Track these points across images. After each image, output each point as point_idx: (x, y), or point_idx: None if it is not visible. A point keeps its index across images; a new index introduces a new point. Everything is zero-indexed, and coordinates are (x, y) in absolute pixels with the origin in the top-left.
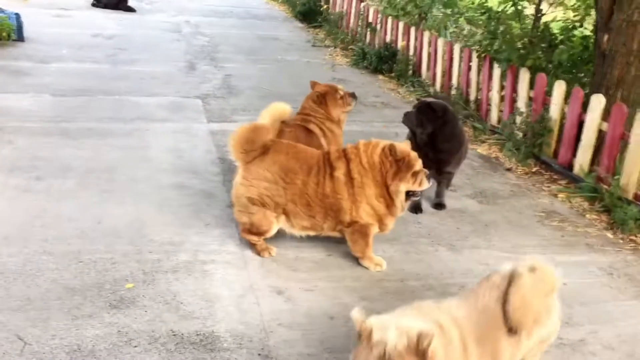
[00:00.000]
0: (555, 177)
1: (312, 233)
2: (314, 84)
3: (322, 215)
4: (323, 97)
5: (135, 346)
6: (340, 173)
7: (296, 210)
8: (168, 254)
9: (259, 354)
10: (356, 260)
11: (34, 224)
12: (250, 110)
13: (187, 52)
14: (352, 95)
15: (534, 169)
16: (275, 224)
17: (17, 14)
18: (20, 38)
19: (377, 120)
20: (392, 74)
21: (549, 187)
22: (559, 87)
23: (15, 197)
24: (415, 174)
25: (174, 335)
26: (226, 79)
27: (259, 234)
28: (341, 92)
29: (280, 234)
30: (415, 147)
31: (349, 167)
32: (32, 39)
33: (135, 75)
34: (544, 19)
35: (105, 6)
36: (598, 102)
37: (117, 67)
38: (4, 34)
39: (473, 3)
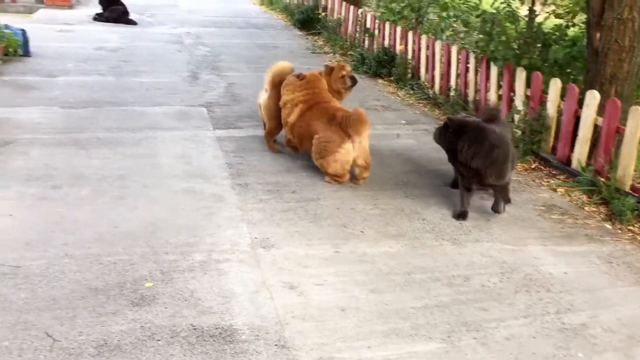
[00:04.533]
0: (554, 172)
1: None
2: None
3: None
4: (331, 70)
5: (159, 340)
6: None
7: None
8: (184, 255)
9: (276, 345)
10: (364, 256)
11: (53, 230)
12: (254, 116)
13: (189, 62)
14: (352, 78)
15: (534, 165)
16: None
17: (22, 30)
18: (27, 53)
19: (377, 123)
20: (392, 78)
21: (548, 182)
22: (555, 85)
23: (33, 205)
24: None
25: (194, 329)
26: (229, 87)
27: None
28: (345, 71)
29: (289, 236)
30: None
31: None
32: (38, 54)
33: (140, 86)
34: (538, 19)
35: (107, 20)
36: (593, 97)
37: (122, 79)
38: (11, 49)
39: (466, 4)
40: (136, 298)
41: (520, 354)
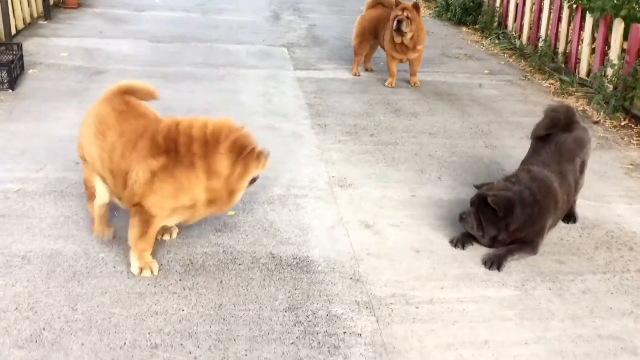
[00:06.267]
0: None
1: None
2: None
3: None
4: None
5: (240, 264)
6: None
7: None
8: (264, 188)
9: (351, 278)
10: (441, 203)
11: None
12: (334, 59)
13: (271, 2)
14: (400, 22)
15: (623, 123)
16: None
17: None
18: None
19: (459, 72)
20: (477, 26)
21: (638, 140)
22: None
23: None
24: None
25: (273, 257)
26: (310, 28)
27: None
28: (399, 13)
29: (366, 177)
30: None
31: None
32: None
33: (224, 24)
34: None
35: None
36: None
37: (206, 16)
38: None
39: None
40: (219, 225)
41: (595, 307)
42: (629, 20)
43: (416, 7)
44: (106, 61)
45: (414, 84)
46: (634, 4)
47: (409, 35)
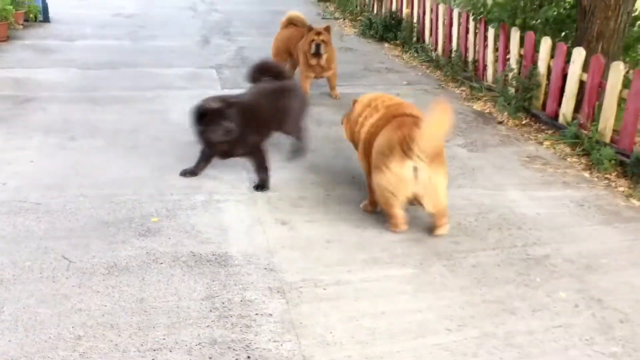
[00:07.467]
0: (543, 127)
1: None
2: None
3: None
4: (309, 30)
5: (162, 263)
6: None
7: None
8: (187, 195)
9: (265, 268)
10: (354, 199)
11: (70, 174)
12: None
13: (202, 27)
14: (317, 47)
15: (524, 122)
16: None
17: None
18: (46, 19)
19: (379, 84)
20: (397, 41)
21: (536, 136)
22: (545, 43)
23: (52, 154)
24: None
25: (193, 255)
26: (239, 50)
27: None
28: (316, 37)
29: (284, 182)
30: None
31: None
32: (57, 20)
33: (154, 50)
34: None
35: None
36: (578, 54)
37: (137, 43)
38: (32, 15)
39: None
40: (143, 230)
41: (483, 278)
42: (525, 29)
43: (327, 30)
44: (35, 89)
45: (335, 97)
46: (529, 14)
47: (325, 56)
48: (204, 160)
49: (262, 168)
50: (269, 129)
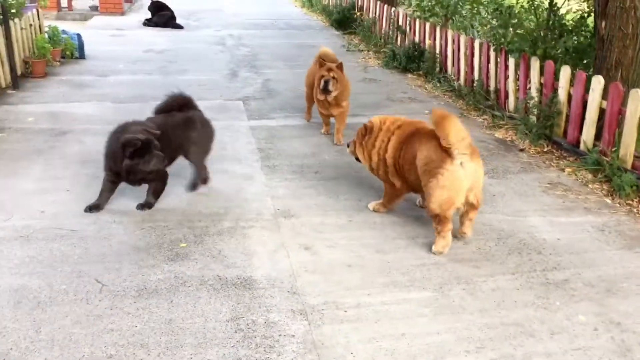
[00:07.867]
0: (564, 154)
1: None
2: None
3: None
4: (320, 65)
5: (189, 286)
6: None
7: None
8: (214, 222)
9: (288, 291)
10: (374, 225)
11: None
12: (286, 108)
13: (230, 61)
14: (326, 83)
15: (546, 149)
16: None
17: (78, 35)
18: (82, 56)
19: (401, 113)
20: (420, 72)
21: (557, 163)
22: (565, 72)
23: (87, 183)
24: None
25: (220, 279)
26: (265, 83)
27: None
28: (325, 74)
29: (307, 207)
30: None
31: None
32: (92, 56)
33: (184, 83)
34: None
35: (156, 25)
36: (598, 82)
37: (167, 77)
38: (68, 52)
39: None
40: (172, 255)
41: (502, 302)
42: (545, 59)
43: (340, 67)
44: (71, 122)
45: (338, 142)
46: (550, 44)
47: (333, 94)
48: (108, 191)
49: (157, 192)
50: (176, 155)
